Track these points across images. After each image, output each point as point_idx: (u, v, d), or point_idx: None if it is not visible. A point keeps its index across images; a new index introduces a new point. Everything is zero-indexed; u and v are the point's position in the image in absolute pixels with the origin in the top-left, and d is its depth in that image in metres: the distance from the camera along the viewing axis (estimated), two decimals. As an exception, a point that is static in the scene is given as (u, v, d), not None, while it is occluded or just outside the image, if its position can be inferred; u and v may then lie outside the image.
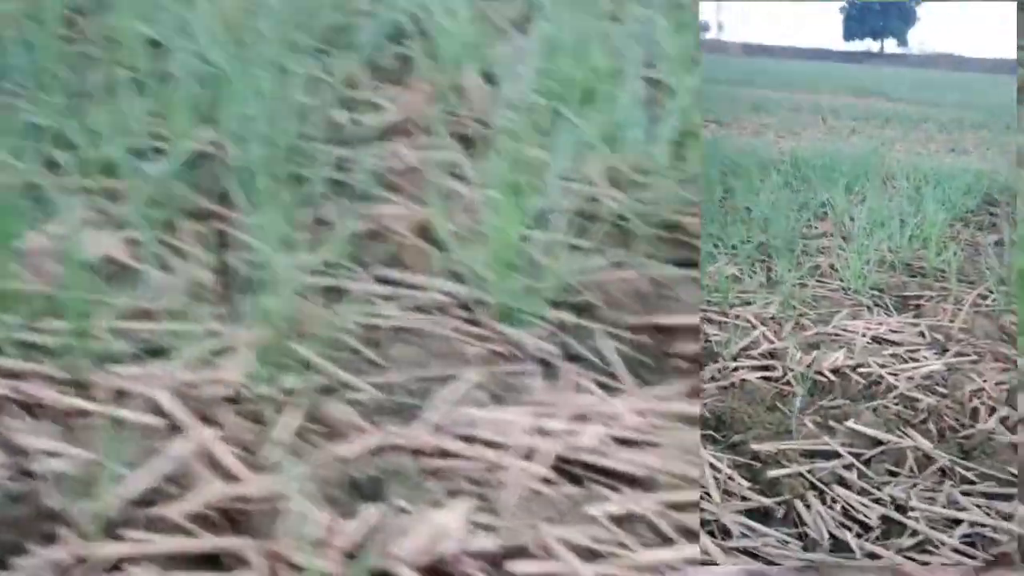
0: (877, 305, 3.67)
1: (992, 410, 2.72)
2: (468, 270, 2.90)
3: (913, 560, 2.05)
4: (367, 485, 2.25)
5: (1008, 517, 2.23)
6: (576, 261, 3.04)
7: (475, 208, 3.14)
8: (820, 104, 14.21)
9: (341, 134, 3.37)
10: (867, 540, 2.11)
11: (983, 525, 2.17)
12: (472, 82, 3.63)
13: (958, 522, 2.18)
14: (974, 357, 3.12)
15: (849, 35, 61.86)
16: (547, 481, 2.36)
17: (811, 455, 2.35)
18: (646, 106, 3.46)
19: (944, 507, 2.23)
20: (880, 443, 2.49)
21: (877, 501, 2.25)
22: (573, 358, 2.82)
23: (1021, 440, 2.22)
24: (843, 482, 2.28)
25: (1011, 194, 5.86)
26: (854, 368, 2.93)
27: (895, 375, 2.92)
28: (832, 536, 2.07)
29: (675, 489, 2.40)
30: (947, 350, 3.18)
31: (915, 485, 2.33)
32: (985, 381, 2.87)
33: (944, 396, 2.79)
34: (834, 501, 2.19)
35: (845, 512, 2.18)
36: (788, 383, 2.93)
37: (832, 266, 3.94)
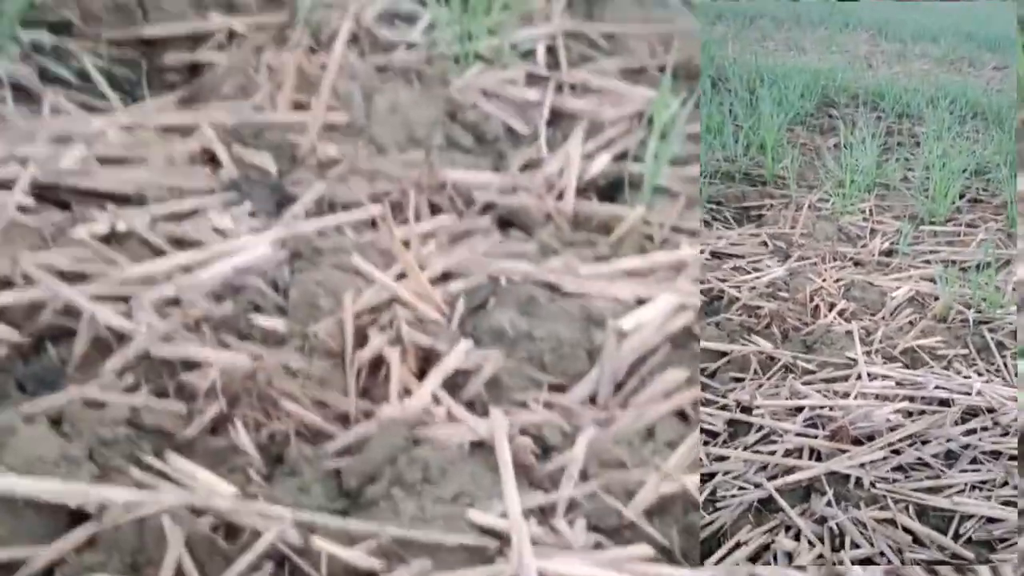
0: (716, 219, 3.61)
1: (832, 305, 2.85)
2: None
3: (759, 452, 2.16)
4: None
5: (845, 395, 2.38)
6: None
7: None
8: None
9: None
10: (714, 446, 2.21)
11: (823, 407, 2.32)
12: None
13: (800, 410, 2.32)
14: (814, 260, 3.22)
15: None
16: (27, 209, 2.31)
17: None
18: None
19: (787, 399, 2.36)
20: (725, 354, 2.57)
21: (723, 408, 2.34)
22: (51, 80, 2.70)
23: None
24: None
25: (849, 95, 5.70)
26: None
27: (737, 287, 2.96)
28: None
29: (161, 201, 2.41)
30: (789, 256, 3.25)
31: (760, 386, 2.43)
32: (824, 280, 2.99)
33: (786, 299, 2.88)
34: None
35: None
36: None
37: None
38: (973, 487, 2.12)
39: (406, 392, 2.07)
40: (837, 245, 3.39)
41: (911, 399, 2.40)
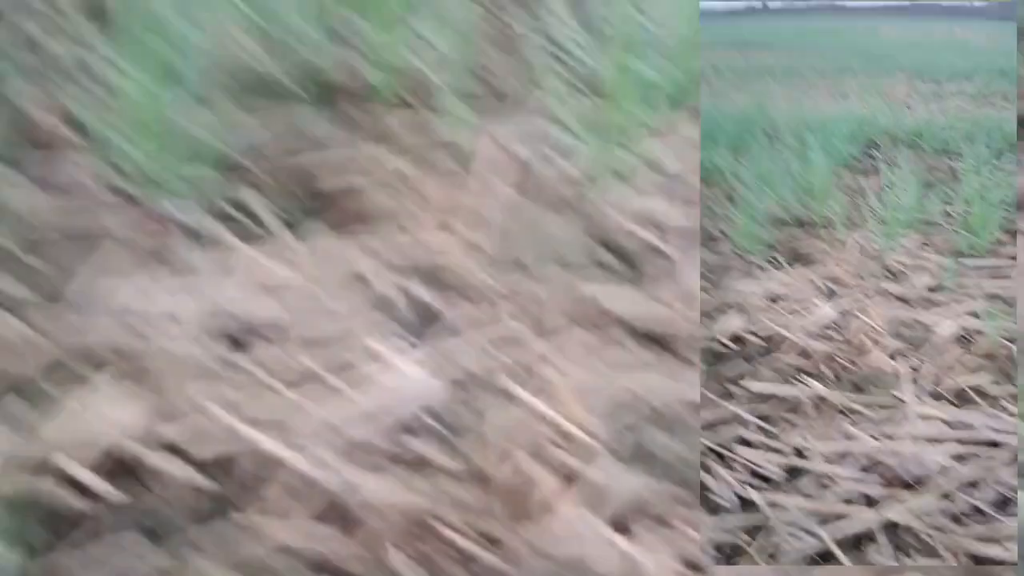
0: (770, 262, 3.70)
1: (881, 344, 2.86)
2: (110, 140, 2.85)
3: (810, 497, 2.17)
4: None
5: (891, 437, 2.38)
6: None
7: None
8: (702, 64, 13.68)
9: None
10: (769, 492, 2.21)
11: (874, 450, 2.31)
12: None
13: (852, 453, 2.31)
14: (862, 298, 3.25)
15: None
16: (191, 341, 2.42)
17: (712, 425, 2.43)
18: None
19: (839, 442, 2.35)
20: (776, 397, 2.59)
21: (777, 452, 2.35)
22: (217, 215, 2.84)
23: None
24: (744, 441, 2.37)
25: (890, 136, 5.88)
26: (750, 331, 2.99)
27: (787, 328, 3.00)
28: (737, 495, 2.17)
29: (315, 327, 2.50)
30: (838, 296, 3.29)
31: (812, 429, 2.44)
32: (872, 319, 3.01)
33: (836, 340, 2.91)
34: (733, 462, 2.29)
35: (751, 471, 2.27)
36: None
37: (722, 231, 3.91)
38: (1032, 536, 2.05)
39: (553, 512, 2.10)
40: (883, 283, 3.39)
41: (961, 441, 2.35)
